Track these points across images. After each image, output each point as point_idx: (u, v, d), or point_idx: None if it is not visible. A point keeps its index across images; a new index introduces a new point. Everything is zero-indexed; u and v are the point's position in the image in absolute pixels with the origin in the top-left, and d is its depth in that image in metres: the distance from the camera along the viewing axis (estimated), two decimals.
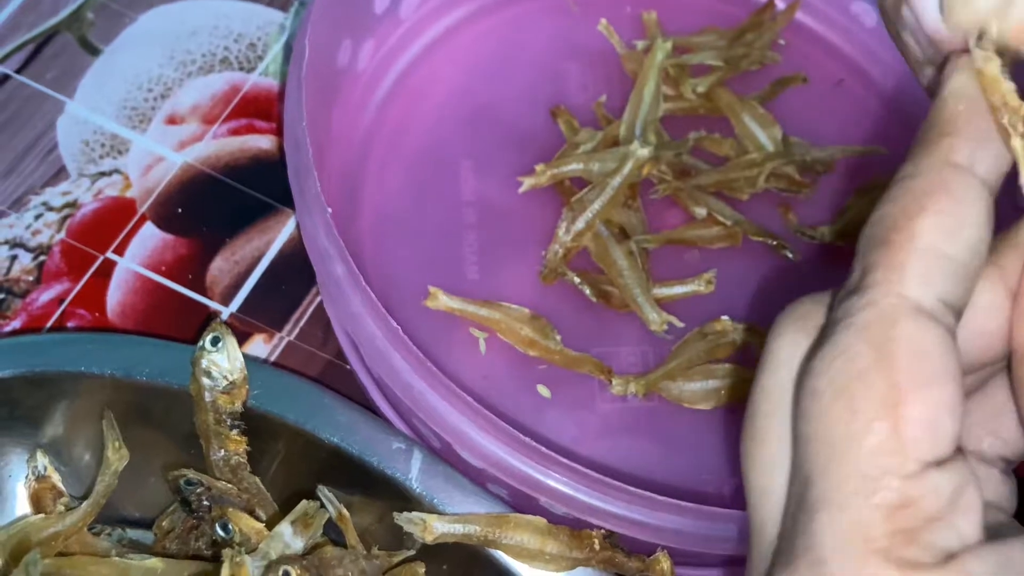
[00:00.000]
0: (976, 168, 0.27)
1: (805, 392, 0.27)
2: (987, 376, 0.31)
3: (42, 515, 0.45)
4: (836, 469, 0.26)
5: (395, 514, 0.42)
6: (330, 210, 0.44)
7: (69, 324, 0.52)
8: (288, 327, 0.53)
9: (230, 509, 0.43)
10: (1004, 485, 0.31)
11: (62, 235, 0.54)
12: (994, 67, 0.27)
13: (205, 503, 0.44)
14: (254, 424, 0.45)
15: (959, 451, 0.26)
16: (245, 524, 0.43)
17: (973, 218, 0.27)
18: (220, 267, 0.54)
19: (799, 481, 0.27)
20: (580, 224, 0.53)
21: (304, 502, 0.44)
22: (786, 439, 0.28)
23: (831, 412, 0.26)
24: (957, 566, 0.25)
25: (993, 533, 0.26)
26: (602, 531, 0.43)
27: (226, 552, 0.42)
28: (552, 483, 0.41)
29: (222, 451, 0.44)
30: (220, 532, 0.43)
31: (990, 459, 0.31)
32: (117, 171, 0.55)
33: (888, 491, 0.25)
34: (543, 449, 0.41)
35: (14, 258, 0.53)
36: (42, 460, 0.46)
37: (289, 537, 0.43)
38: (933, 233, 0.26)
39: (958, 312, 0.27)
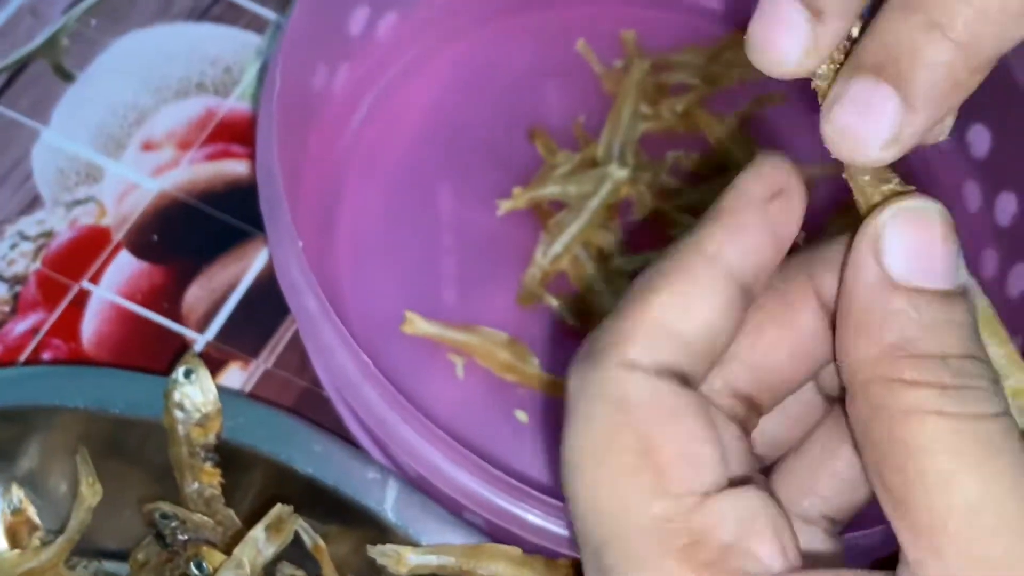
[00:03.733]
0: (721, 258, 0.28)
1: (565, 473, 0.27)
2: (799, 430, 0.32)
3: (17, 551, 0.45)
4: (619, 532, 0.26)
5: (369, 547, 0.42)
6: (301, 243, 0.43)
7: (44, 355, 0.52)
8: (265, 354, 0.53)
9: (204, 547, 0.43)
10: (829, 546, 0.31)
11: (37, 265, 0.53)
12: None
13: (180, 537, 0.44)
14: (228, 456, 0.45)
15: (743, 482, 0.27)
16: (219, 562, 0.43)
17: (708, 302, 0.28)
18: (196, 295, 0.53)
19: (589, 560, 0.27)
20: (558, 247, 0.53)
21: (278, 506, 0.44)
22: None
23: (593, 481, 0.27)
24: None
25: None
26: (577, 560, 0.43)
27: None
28: (525, 516, 0.41)
29: (196, 483, 0.44)
30: (195, 570, 0.43)
31: (813, 519, 0.31)
32: (92, 199, 0.55)
33: (675, 534, 0.26)
34: (516, 483, 0.41)
35: None
36: (17, 494, 0.46)
37: (262, 543, 0.43)
38: (665, 309, 0.27)
39: (690, 380, 0.28)
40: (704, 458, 0.27)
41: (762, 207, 0.29)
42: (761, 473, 0.31)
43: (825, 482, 0.31)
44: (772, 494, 0.28)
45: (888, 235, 0.27)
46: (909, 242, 0.27)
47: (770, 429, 0.32)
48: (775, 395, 0.31)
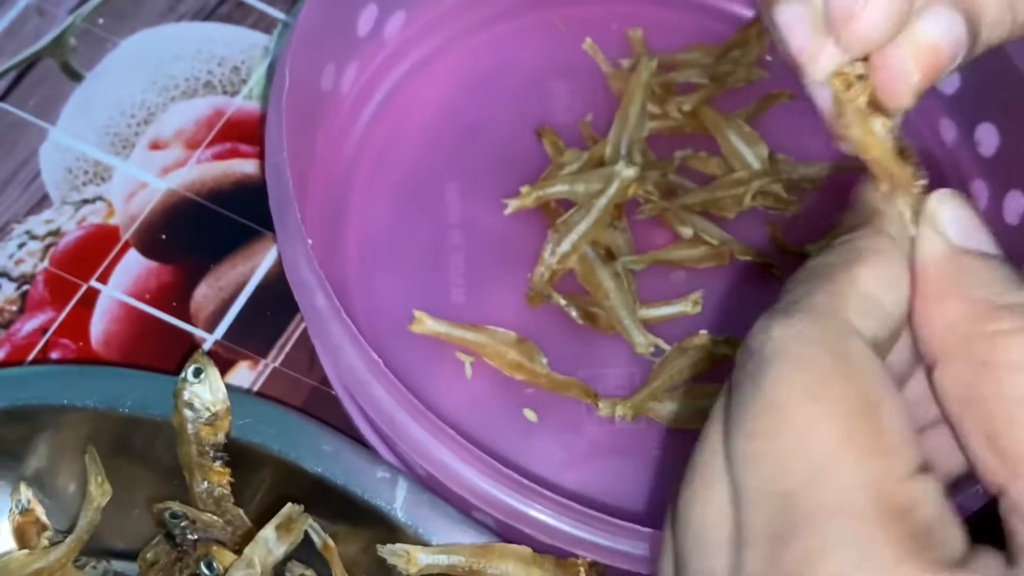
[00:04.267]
0: (903, 243, 0.29)
1: (761, 411, 0.26)
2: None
3: (26, 551, 0.45)
4: (826, 480, 0.25)
5: (378, 546, 0.42)
6: (311, 241, 0.43)
7: (53, 354, 0.52)
8: (273, 353, 0.52)
9: (215, 547, 0.43)
10: None
11: (45, 264, 0.53)
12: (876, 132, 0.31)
13: (190, 536, 0.44)
14: (238, 455, 0.45)
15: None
16: (229, 561, 0.43)
17: (902, 281, 0.28)
18: (204, 294, 0.53)
19: (770, 506, 0.26)
20: (566, 246, 0.53)
21: (288, 506, 0.44)
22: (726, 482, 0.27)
23: (804, 421, 0.25)
24: (970, 570, 0.24)
25: None
26: (588, 560, 0.42)
27: None
28: (536, 515, 0.41)
29: (205, 483, 0.44)
30: (205, 570, 0.43)
31: None
32: (100, 198, 0.55)
33: (888, 497, 0.25)
34: (525, 482, 0.41)
35: None
36: (25, 493, 0.46)
37: (272, 542, 0.43)
38: (871, 281, 0.28)
39: (884, 357, 0.28)
40: (912, 438, 0.26)
41: None
42: None
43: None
44: None
45: (943, 213, 0.29)
46: (960, 216, 0.29)
47: None
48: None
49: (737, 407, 0.27)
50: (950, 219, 0.29)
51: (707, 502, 0.27)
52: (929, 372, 0.27)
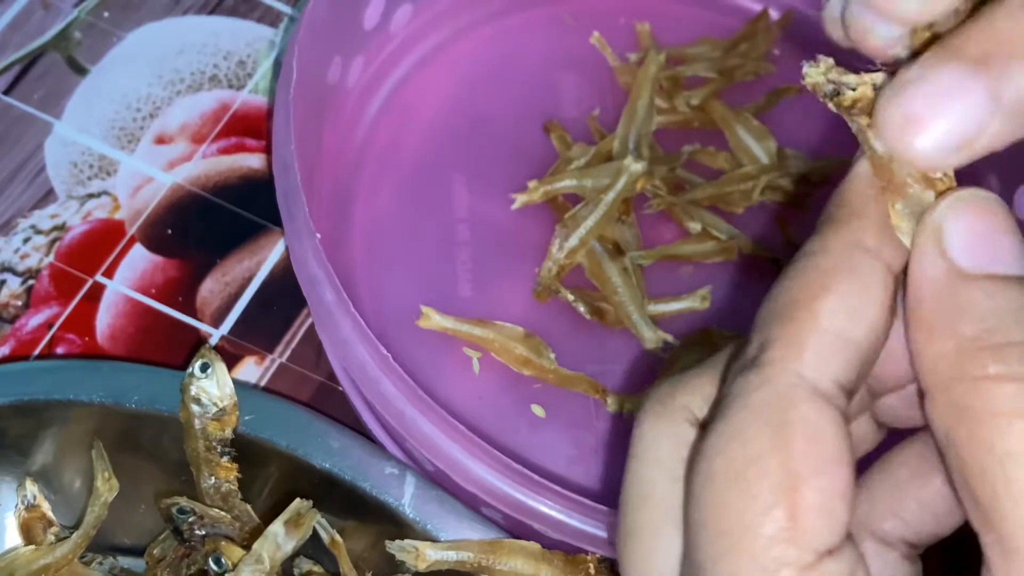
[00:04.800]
0: (883, 253, 0.26)
1: (697, 475, 0.26)
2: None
3: (32, 546, 0.44)
4: (731, 560, 0.25)
5: (387, 543, 0.42)
6: (319, 235, 0.43)
7: (59, 349, 0.51)
8: (280, 348, 0.52)
9: (223, 543, 0.43)
10: (905, 569, 0.30)
11: (51, 258, 0.53)
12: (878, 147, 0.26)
13: (197, 532, 0.44)
14: (245, 450, 0.44)
15: (848, 537, 0.25)
16: (238, 557, 0.42)
17: (876, 302, 0.26)
18: (211, 288, 0.53)
19: (690, 569, 0.26)
20: (574, 241, 0.53)
21: (297, 501, 0.43)
22: (662, 528, 0.27)
23: (726, 497, 0.25)
24: None
25: None
26: (597, 556, 0.42)
27: None
28: (545, 510, 0.41)
29: (213, 478, 0.44)
30: (213, 566, 0.42)
31: (891, 542, 0.30)
32: (106, 192, 0.55)
33: None
34: (535, 476, 0.40)
35: (2, 283, 0.53)
36: (32, 489, 0.45)
37: (281, 538, 0.42)
38: (836, 315, 0.25)
39: (852, 394, 0.26)
40: (837, 516, 0.25)
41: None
42: None
43: (911, 508, 0.30)
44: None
45: (950, 226, 0.25)
46: (973, 229, 0.25)
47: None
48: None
49: (696, 455, 0.26)
50: (960, 236, 0.25)
51: (651, 533, 0.28)
52: (921, 400, 0.26)
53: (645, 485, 0.28)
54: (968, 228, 0.25)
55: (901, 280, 0.27)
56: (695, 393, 0.28)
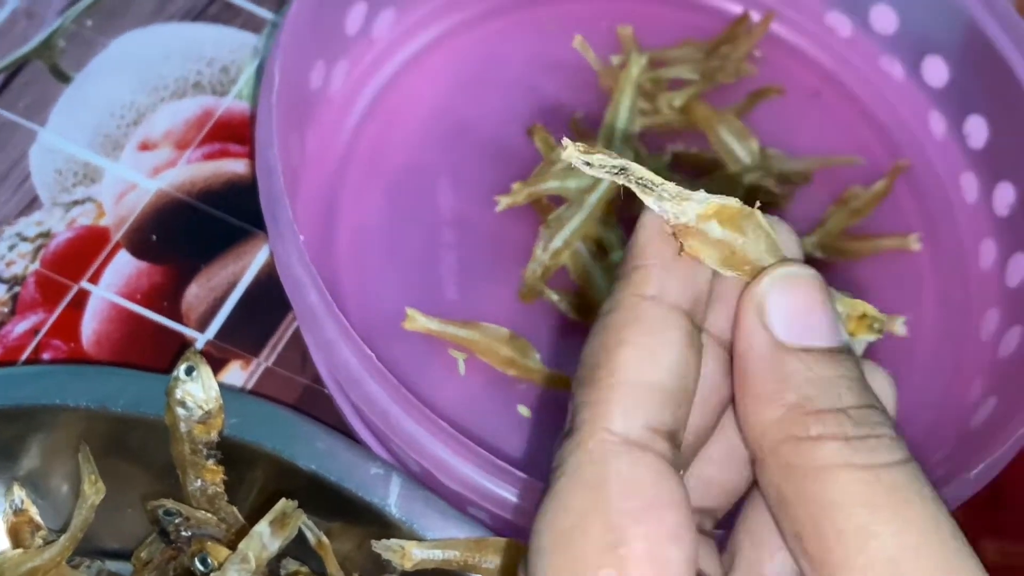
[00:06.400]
0: (666, 296, 0.27)
1: (533, 552, 0.26)
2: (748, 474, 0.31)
3: (20, 550, 0.44)
4: None
5: (373, 542, 0.42)
6: (302, 237, 0.43)
7: (44, 355, 0.51)
8: (266, 352, 0.52)
9: (209, 543, 0.43)
10: None
11: (36, 265, 0.53)
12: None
13: (184, 533, 0.44)
14: (231, 453, 0.44)
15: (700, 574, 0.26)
16: (224, 557, 0.42)
17: (670, 344, 0.27)
18: (196, 293, 0.53)
19: None
20: (558, 242, 0.53)
21: (282, 500, 0.43)
22: None
23: (558, 568, 0.25)
24: None
25: None
26: None
27: None
28: (530, 507, 0.41)
29: (199, 481, 0.44)
30: (199, 566, 0.42)
31: None
32: (90, 199, 0.55)
33: None
34: (519, 473, 0.41)
35: None
36: (19, 493, 0.45)
37: (267, 537, 0.43)
38: (632, 364, 0.27)
39: (673, 434, 0.27)
40: (673, 560, 0.25)
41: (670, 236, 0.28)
42: (719, 528, 0.31)
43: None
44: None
45: (771, 301, 0.27)
46: (792, 305, 0.27)
47: (718, 477, 0.31)
48: (693, 450, 0.30)
49: (531, 535, 0.27)
50: (780, 310, 0.27)
51: None
52: (752, 466, 0.27)
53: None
54: (787, 304, 0.27)
55: (697, 312, 0.28)
56: None
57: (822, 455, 0.25)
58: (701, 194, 0.28)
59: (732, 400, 0.28)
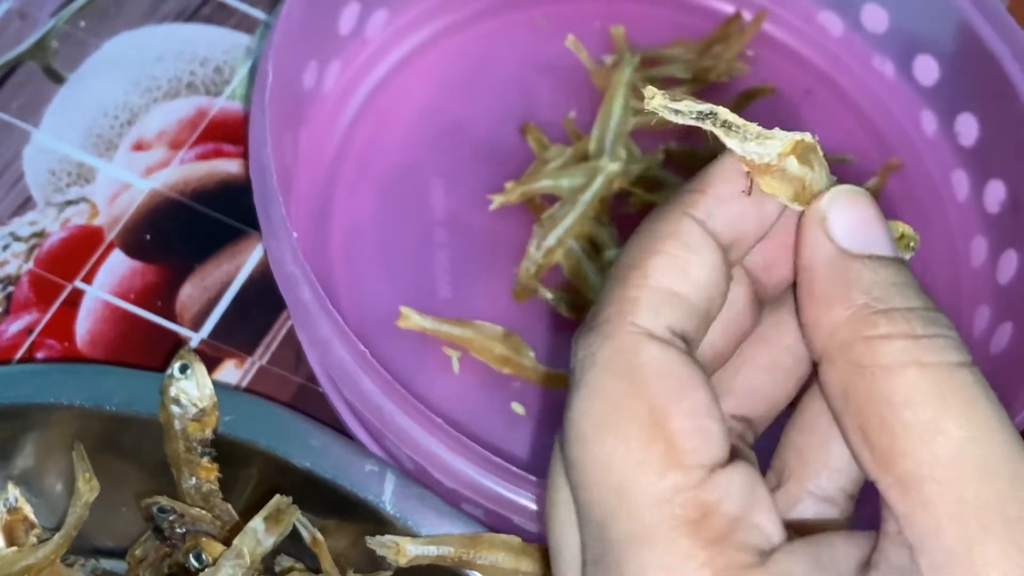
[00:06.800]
0: (710, 222, 0.29)
1: (570, 443, 0.27)
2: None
3: (14, 548, 0.44)
4: (628, 505, 0.26)
5: (367, 538, 0.42)
6: (296, 235, 0.43)
7: (38, 355, 0.51)
8: (260, 351, 0.52)
9: (203, 539, 0.43)
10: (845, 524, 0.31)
11: (30, 265, 0.53)
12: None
13: (178, 530, 0.44)
14: (226, 451, 0.44)
15: (735, 455, 0.27)
16: (218, 552, 0.42)
17: (702, 263, 0.28)
18: (189, 293, 0.53)
19: (592, 532, 0.27)
20: (551, 240, 0.53)
21: (276, 497, 0.43)
22: (567, 523, 0.29)
23: (602, 452, 0.26)
24: (774, 565, 0.26)
25: None
26: None
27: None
28: (524, 502, 0.41)
29: (193, 479, 0.44)
30: (194, 562, 0.43)
31: (831, 496, 0.31)
32: (84, 199, 0.55)
33: (685, 507, 0.26)
34: (514, 469, 0.41)
35: None
36: (13, 492, 0.45)
37: (261, 533, 0.43)
38: (664, 272, 0.28)
39: (691, 342, 0.28)
40: (712, 432, 0.27)
41: (737, 175, 0.30)
42: (753, 450, 0.32)
43: (838, 453, 0.31)
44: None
45: (834, 214, 0.29)
46: (854, 217, 0.29)
47: (762, 387, 0.32)
48: (711, 369, 0.31)
49: (563, 430, 0.28)
50: (843, 223, 0.29)
51: (556, 518, 0.29)
52: (815, 366, 0.28)
53: (553, 492, 0.29)
54: (849, 216, 0.29)
55: (733, 252, 0.29)
56: None
57: (892, 352, 0.26)
58: (780, 131, 0.29)
59: (796, 310, 0.29)
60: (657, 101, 0.29)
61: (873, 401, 0.26)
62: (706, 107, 0.29)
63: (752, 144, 0.29)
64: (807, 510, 0.31)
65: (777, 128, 0.29)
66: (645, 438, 0.26)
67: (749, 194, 0.29)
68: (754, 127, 0.29)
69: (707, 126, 0.29)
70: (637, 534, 0.26)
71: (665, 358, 0.27)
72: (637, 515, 0.26)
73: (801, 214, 0.29)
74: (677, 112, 0.29)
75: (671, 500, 0.26)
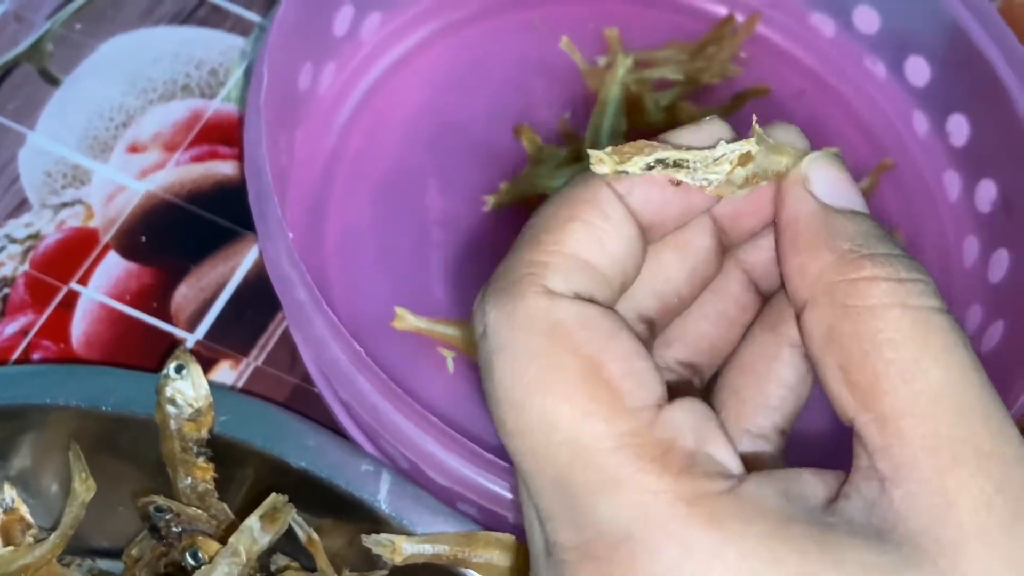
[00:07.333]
0: (628, 196, 0.29)
1: (504, 411, 0.27)
2: (735, 332, 0.33)
3: (11, 547, 0.44)
4: (584, 458, 0.26)
5: (363, 536, 0.42)
6: (291, 235, 0.44)
7: (34, 356, 0.52)
8: (255, 352, 0.53)
9: (199, 537, 0.43)
10: (779, 462, 0.32)
11: (25, 267, 0.53)
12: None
13: (174, 529, 0.44)
14: (221, 451, 0.45)
15: (677, 394, 0.28)
16: (214, 551, 0.43)
17: (619, 236, 0.29)
18: (185, 294, 0.54)
19: (548, 494, 0.27)
20: None
21: (272, 496, 0.44)
22: None
23: (544, 411, 0.26)
24: (744, 493, 0.26)
25: None
26: None
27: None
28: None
29: (189, 479, 0.44)
30: (190, 560, 0.43)
31: (767, 432, 0.32)
32: (80, 201, 0.55)
33: (645, 447, 0.26)
34: (508, 465, 0.41)
35: None
36: (10, 492, 0.45)
37: (257, 531, 0.43)
38: (580, 240, 0.28)
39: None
40: (647, 373, 0.27)
41: None
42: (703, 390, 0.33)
43: (774, 392, 0.32)
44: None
45: (814, 174, 0.30)
46: (832, 178, 0.30)
47: (710, 332, 0.33)
48: (673, 315, 0.32)
49: (488, 398, 0.28)
50: (823, 181, 0.29)
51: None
52: (798, 317, 0.29)
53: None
54: (829, 176, 0.30)
55: (651, 231, 0.30)
56: None
57: (877, 293, 0.27)
58: (723, 145, 0.29)
59: (779, 262, 0.30)
60: (607, 166, 0.29)
61: (857, 340, 0.27)
62: (651, 158, 0.29)
63: (701, 172, 0.29)
64: (743, 446, 0.32)
65: (721, 141, 0.30)
66: (586, 390, 0.26)
67: (678, 184, 0.29)
68: (698, 153, 0.29)
69: (658, 173, 0.29)
70: (602, 482, 0.26)
71: (581, 310, 0.27)
72: (597, 465, 0.26)
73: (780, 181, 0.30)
74: (626, 173, 0.29)
75: (629, 444, 0.26)
